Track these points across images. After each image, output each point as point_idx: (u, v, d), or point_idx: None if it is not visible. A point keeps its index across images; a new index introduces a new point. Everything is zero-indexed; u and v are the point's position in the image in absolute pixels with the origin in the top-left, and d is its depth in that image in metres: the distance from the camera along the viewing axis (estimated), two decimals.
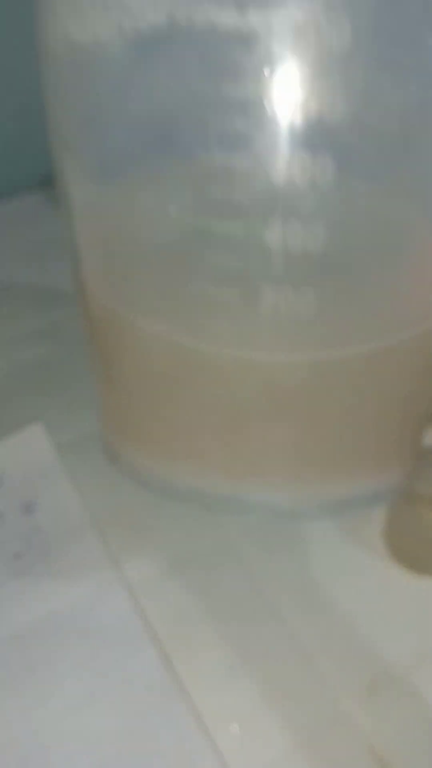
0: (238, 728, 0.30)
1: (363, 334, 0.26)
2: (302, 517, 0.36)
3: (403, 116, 0.22)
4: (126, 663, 0.31)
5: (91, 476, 0.38)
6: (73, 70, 0.25)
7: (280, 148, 0.22)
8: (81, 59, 0.24)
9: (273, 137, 0.22)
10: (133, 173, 0.25)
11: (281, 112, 0.22)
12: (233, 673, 0.31)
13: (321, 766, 0.29)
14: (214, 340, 0.26)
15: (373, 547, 0.36)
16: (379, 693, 0.31)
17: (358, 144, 0.22)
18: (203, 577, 0.35)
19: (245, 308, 0.24)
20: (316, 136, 0.22)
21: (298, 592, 0.34)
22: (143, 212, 0.26)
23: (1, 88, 0.45)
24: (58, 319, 0.48)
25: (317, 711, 0.30)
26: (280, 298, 0.24)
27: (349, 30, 0.20)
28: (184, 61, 0.22)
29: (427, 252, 0.26)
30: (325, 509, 0.34)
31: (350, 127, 0.21)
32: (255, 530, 0.37)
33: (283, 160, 0.22)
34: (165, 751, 0.29)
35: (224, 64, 0.21)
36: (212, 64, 0.22)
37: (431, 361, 0.29)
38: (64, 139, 0.26)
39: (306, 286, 0.23)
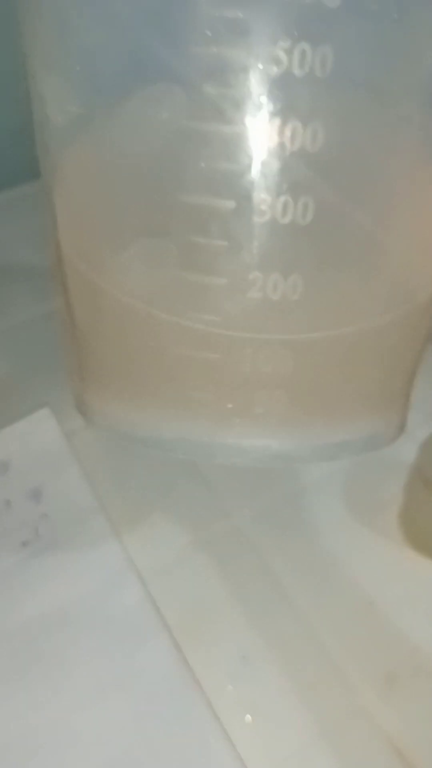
0: (253, 720, 0.29)
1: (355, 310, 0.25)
2: (295, 461, 0.34)
3: None
4: (137, 653, 0.30)
5: (99, 463, 0.37)
6: (51, 18, 0.23)
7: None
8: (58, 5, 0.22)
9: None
10: (115, 100, 0.24)
11: None
12: (247, 663, 0.31)
13: (338, 758, 0.28)
14: (197, 315, 0.24)
15: (388, 533, 0.35)
16: (398, 683, 0.30)
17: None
18: (215, 564, 0.34)
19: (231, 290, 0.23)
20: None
21: (312, 579, 0.33)
22: (126, 145, 0.24)
23: (1, 78, 0.44)
24: (62, 305, 0.47)
25: (334, 702, 0.30)
26: (268, 278, 0.23)
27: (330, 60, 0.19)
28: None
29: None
30: (318, 453, 0.32)
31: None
32: (267, 515, 0.36)
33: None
34: (178, 743, 0.28)
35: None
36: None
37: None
38: (41, 58, 0.25)
39: (294, 265, 0.22)
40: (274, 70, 0.21)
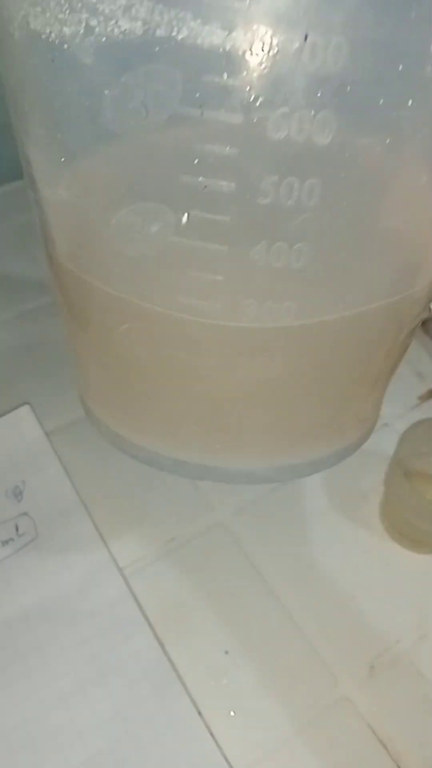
0: (235, 713, 0.29)
1: (338, 301, 0.25)
2: (276, 481, 0.35)
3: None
4: (119, 648, 0.30)
5: (79, 460, 0.37)
6: (34, 60, 0.23)
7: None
8: (41, 51, 0.22)
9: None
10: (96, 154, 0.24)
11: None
12: (229, 657, 0.31)
13: (322, 750, 0.28)
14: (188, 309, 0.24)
15: (370, 524, 0.35)
16: (380, 673, 0.30)
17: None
18: (197, 558, 0.34)
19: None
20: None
21: (295, 572, 0.33)
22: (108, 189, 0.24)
23: None
24: (43, 304, 0.47)
25: (317, 693, 0.30)
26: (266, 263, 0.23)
27: (345, 50, 0.19)
28: (163, 78, 0.21)
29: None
30: (298, 472, 0.34)
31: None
32: (249, 509, 0.36)
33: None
34: (160, 737, 0.28)
35: (208, 85, 0.20)
36: (194, 83, 0.20)
37: (401, 328, 0.28)
38: (22, 115, 0.25)
39: (295, 245, 0.22)
40: (262, 200, 0.21)
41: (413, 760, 0.28)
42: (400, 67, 0.20)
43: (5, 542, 0.34)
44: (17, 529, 0.34)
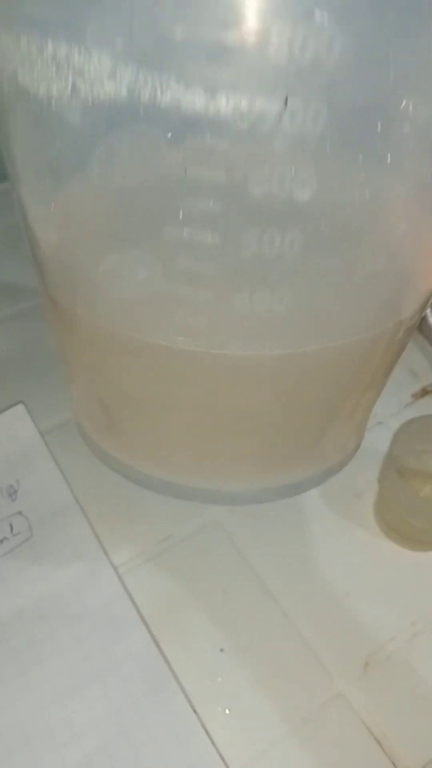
0: (231, 711, 0.29)
1: (324, 334, 0.26)
2: (262, 502, 0.36)
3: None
4: (114, 648, 0.30)
5: (73, 460, 0.37)
6: (22, 114, 0.23)
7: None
8: (30, 106, 0.22)
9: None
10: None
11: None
12: (224, 655, 0.31)
13: (317, 747, 0.28)
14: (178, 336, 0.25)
15: (364, 523, 0.36)
16: (374, 670, 0.30)
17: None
18: (191, 557, 0.34)
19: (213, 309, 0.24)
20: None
21: (289, 570, 0.34)
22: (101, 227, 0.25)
23: None
24: (37, 304, 0.47)
25: (312, 691, 0.30)
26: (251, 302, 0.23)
27: (324, 112, 0.19)
28: (147, 138, 0.21)
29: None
30: (280, 494, 0.36)
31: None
32: (244, 509, 0.36)
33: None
34: (155, 736, 0.28)
35: (192, 146, 0.20)
36: (178, 143, 0.20)
37: (385, 358, 0.29)
38: (12, 160, 0.25)
39: (277, 289, 0.23)
40: (245, 251, 0.22)
41: (408, 757, 0.28)
42: (379, 128, 0.20)
43: (0, 541, 0.34)
44: (12, 529, 0.34)
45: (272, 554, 0.34)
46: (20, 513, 0.35)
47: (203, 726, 0.28)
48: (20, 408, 0.40)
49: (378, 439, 0.39)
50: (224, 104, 0.19)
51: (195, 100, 0.19)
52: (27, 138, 0.24)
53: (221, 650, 0.31)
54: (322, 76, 0.19)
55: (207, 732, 0.28)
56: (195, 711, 0.29)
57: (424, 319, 0.42)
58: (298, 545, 0.35)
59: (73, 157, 0.23)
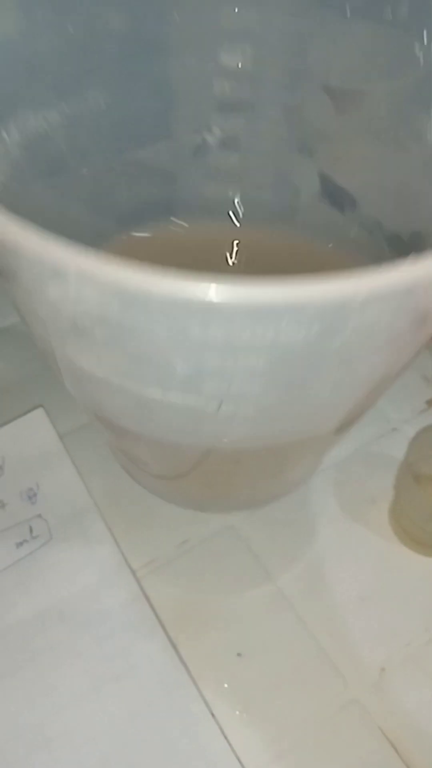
0: (248, 715, 0.29)
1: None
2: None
3: None
4: (131, 650, 0.31)
5: (91, 463, 0.38)
6: None
7: None
8: None
9: None
10: None
11: None
12: (241, 659, 0.31)
13: (333, 752, 0.28)
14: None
15: (380, 528, 0.36)
16: (390, 675, 0.31)
17: None
18: (208, 561, 0.34)
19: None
20: None
21: (305, 575, 0.34)
22: None
23: None
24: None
25: (328, 696, 0.30)
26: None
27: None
28: None
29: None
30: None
31: None
32: (260, 514, 0.36)
33: None
34: (173, 739, 0.28)
35: None
36: None
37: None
38: None
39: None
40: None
41: (424, 762, 0.28)
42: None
43: (19, 544, 0.34)
44: (31, 531, 0.35)
45: (288, 559, 0.34)
46: (39, 516, 0.35)
47: (221, 729, 0.29)
48: (39, 411, 0.40)
49: (393, 446, 0.39)
50: None
51: None
52: None
53: (238, 654, 0.31)
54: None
55: (224, 735, 0.28)
56: (212, 714, 0.29)
57: None
58: (314, 551, 0.35)
59: None
